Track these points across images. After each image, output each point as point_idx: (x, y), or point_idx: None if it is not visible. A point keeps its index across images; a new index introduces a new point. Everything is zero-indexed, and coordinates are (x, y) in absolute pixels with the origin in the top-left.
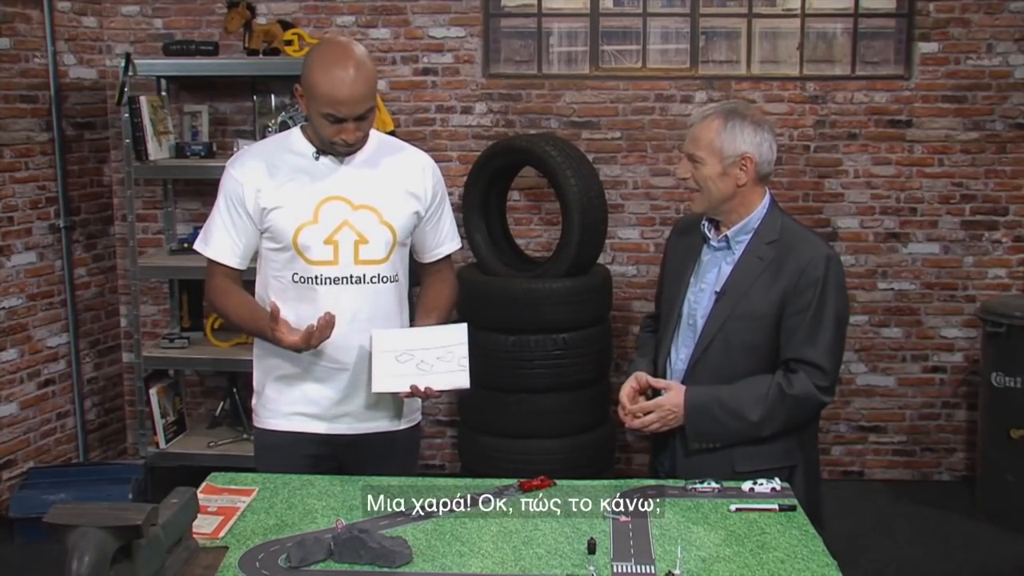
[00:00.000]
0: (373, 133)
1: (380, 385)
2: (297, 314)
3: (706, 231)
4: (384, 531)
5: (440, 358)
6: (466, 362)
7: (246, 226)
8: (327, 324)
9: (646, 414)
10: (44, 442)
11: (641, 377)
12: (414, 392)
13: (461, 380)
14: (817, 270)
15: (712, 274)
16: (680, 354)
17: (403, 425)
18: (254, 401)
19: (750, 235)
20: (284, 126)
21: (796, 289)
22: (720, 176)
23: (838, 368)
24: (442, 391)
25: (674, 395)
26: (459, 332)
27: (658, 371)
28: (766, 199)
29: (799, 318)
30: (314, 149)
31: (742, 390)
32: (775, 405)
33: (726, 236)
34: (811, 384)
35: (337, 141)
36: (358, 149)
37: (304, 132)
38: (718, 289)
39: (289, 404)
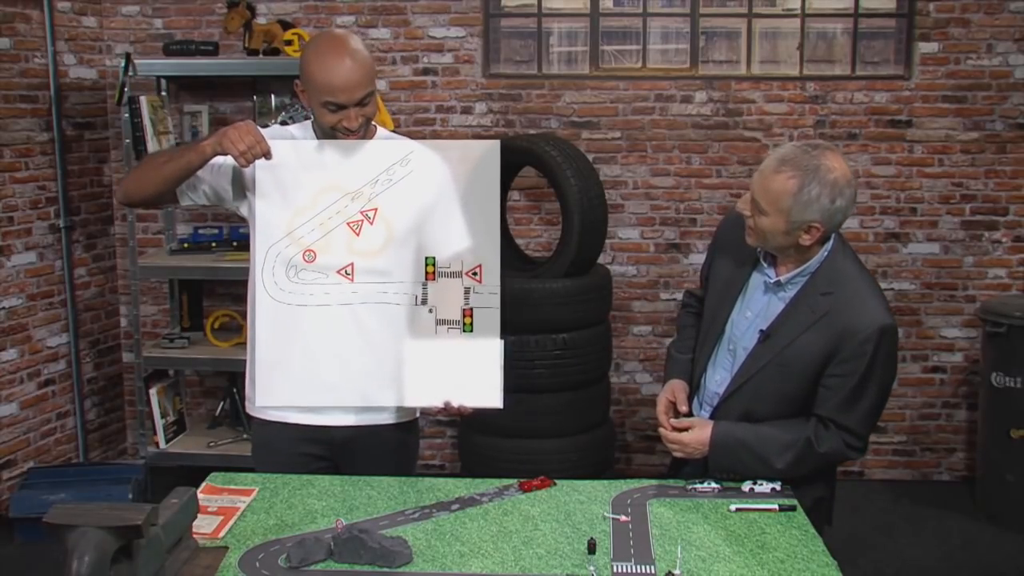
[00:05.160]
0: (382, 132)
1: (413, 399)
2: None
3: (761, 257)
4: (384, 531)
5: (473, 373)
6: (500, 380)
7: (213, 177)
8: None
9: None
10: (44, 442)
11: (679, 395)
12: (447, 408)
13: (493, 399)
14: (868, 344)
15: (760, 304)
16: (716, 376)
17: (392, 420)
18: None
19: (806, 278)
20: (284, 125)
21: (841, 355)
22: (782, 234)
23: (872, 431)
24: (474, 409)
25: (699, 432)
26: (494, 348)
27: (693, 384)
28: (828, 244)
29: (840, 381)
30: (316, 143)
31: (770, 437)
32: (802, 458)
33: (779, 281)
34: (842, 443)
35: (339, 128)
36: (362, 137)
37: (312, 126)
38: (763, 328)
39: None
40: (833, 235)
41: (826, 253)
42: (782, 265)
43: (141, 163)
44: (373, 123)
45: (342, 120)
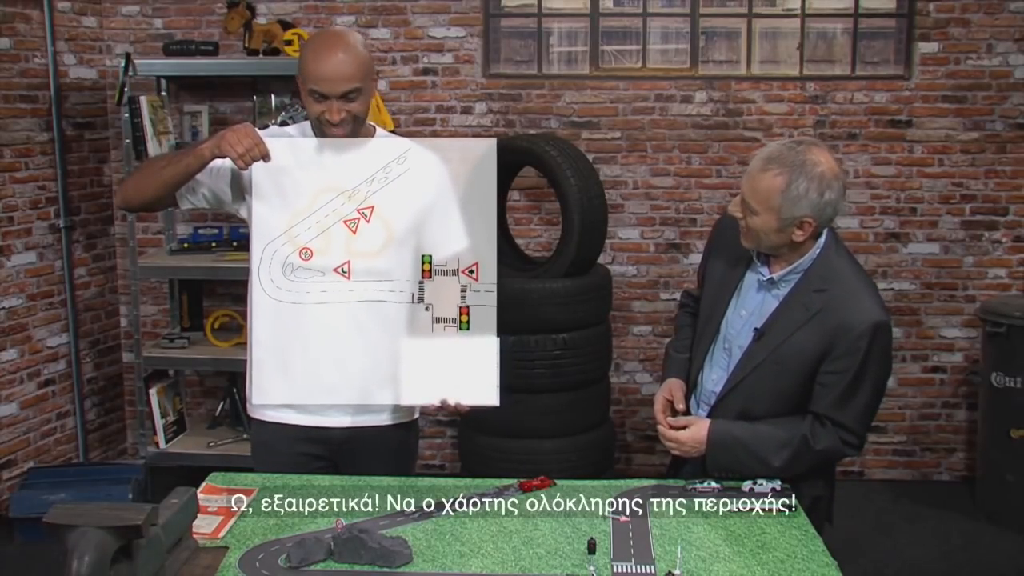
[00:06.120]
0: (380, 132)
1: (409, 397)
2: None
3: (754, 256)
4: (384, 531)
5: (469, 371)
6: (496, 378)
7: (212, 180)
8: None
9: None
10: (44, 442)
11: (676, 393)
12: (444, 406)
13: (490, 397)
14: (862, 340)
15: (754, 303)
16: (713, 375)
17: (391, 420)
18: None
19: (799, 275)
20: (284, 126)
21: (836, 352)
22: (775, 232)
23: (868, 428)
24: (471, 407)
25: (696, 431)
26: (491, 346)
27: (690, 383)
28: (821, 240)
29: (835, 378)
30: (313, 142)
31: (766, 435)
32: (799, 456)
33: (772, 279)
34: (838, 440)
35: (323, 120)
36: (350, 135)
37: (311, 126)
38: (758, 326)
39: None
40: (826, 232)
41: (819, 250)
42: (775, 263)
43: (139, 168)
44: (372, 123)
45: (325, 112)
